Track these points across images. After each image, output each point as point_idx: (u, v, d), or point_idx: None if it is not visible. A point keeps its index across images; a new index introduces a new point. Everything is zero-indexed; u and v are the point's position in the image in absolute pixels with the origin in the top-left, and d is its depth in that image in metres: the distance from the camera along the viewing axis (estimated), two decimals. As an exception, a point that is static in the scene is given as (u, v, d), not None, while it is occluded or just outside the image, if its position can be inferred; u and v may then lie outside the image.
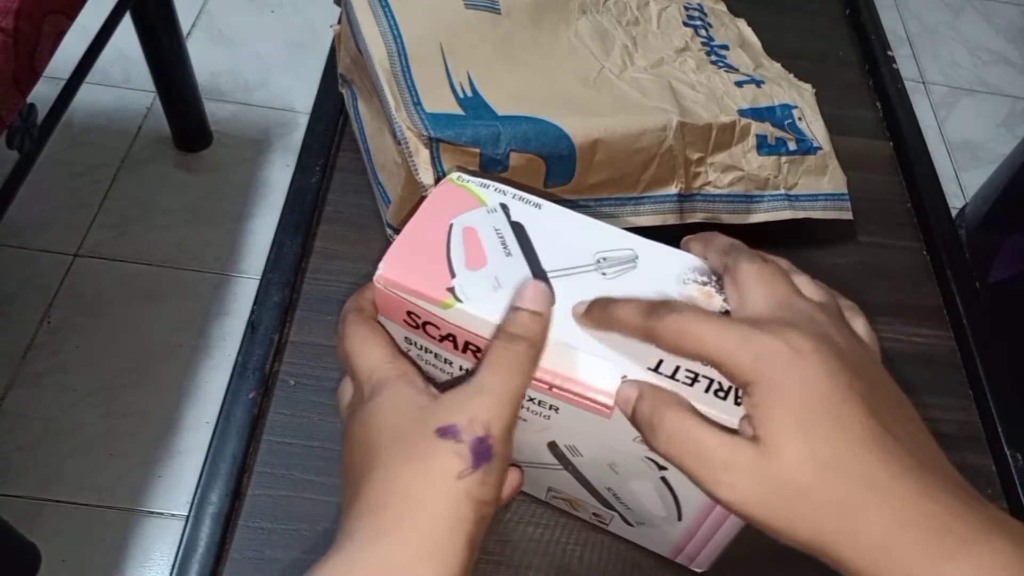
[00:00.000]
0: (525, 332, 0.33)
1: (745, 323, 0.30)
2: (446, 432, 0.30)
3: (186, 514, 0.45)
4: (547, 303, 0.34)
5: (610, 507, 0.43)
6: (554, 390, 0.34)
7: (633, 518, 0.43)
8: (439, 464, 0.30)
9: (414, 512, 0.29)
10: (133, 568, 1.03)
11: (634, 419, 0.32)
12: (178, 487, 1.10)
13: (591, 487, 0.42)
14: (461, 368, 0.37)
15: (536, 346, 0.33)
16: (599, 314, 0.33)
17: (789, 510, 0.28)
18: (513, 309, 0.33)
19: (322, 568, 0.29)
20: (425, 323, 0.35)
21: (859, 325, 0.34)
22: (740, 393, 0.31)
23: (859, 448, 0.28)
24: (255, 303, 0.53)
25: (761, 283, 0.32)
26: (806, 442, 0.28)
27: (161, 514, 1.07)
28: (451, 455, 0.30)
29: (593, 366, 0.34)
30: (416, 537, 0.29)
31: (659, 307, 0.32)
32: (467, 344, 0.35)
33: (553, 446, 0.39)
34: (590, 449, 0.38)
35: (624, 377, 0.33)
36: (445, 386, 0.33)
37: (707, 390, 0.32)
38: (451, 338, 0.35)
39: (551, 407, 0.36)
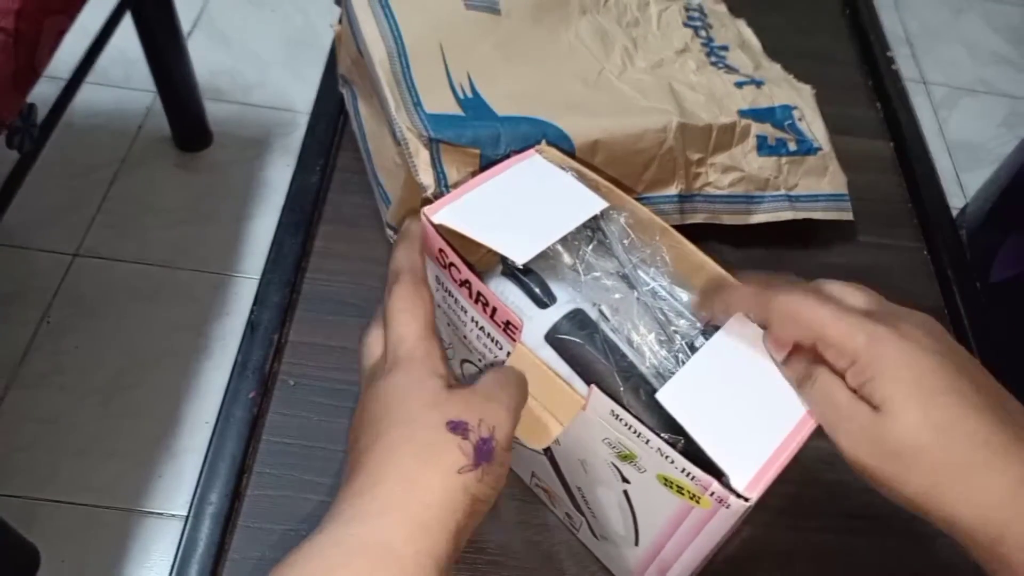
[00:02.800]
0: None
1: (854, 312, 0.33)
2: (456, 427, 0.31)
3: (186, 514, 0.45)
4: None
5: (580, 510, 0.43)
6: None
7: (598, 529, 0.43)
8: (443, 455, 0.30)
9: (409, 496, 0.30)
10: (133, 568, 1.03)
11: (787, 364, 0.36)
12: (178, 487, 1.10)
13: (564, 481, 0.42)
14: (474, 319, 0.38)
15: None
16: (716, 300, 0.37)
17: (902, 468, 0.30)
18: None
19: (311, 543, 0.29)
20: (451, 264, 0.37)
21: None
22: (847, 371, 0.33)
23: (974, 413, 0.30)
24: (255, 303, 0.53)
25: (852, 289, 0.35)
26: (922, 407, 0.30)
27: (161, 514, 1.07)
28: (456, 449, 0.31)
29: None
30: (407, 519, 0.29)
31: (770, 289, 0.35)
32: (479, 295, 0.36)
33: None
34: (567, 439, 0.39)
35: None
36: (462, 381, 0.34)
37: None
38: (467, 285, 0.37)
39: None
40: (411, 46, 0.50)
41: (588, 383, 0.36)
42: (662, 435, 0.33)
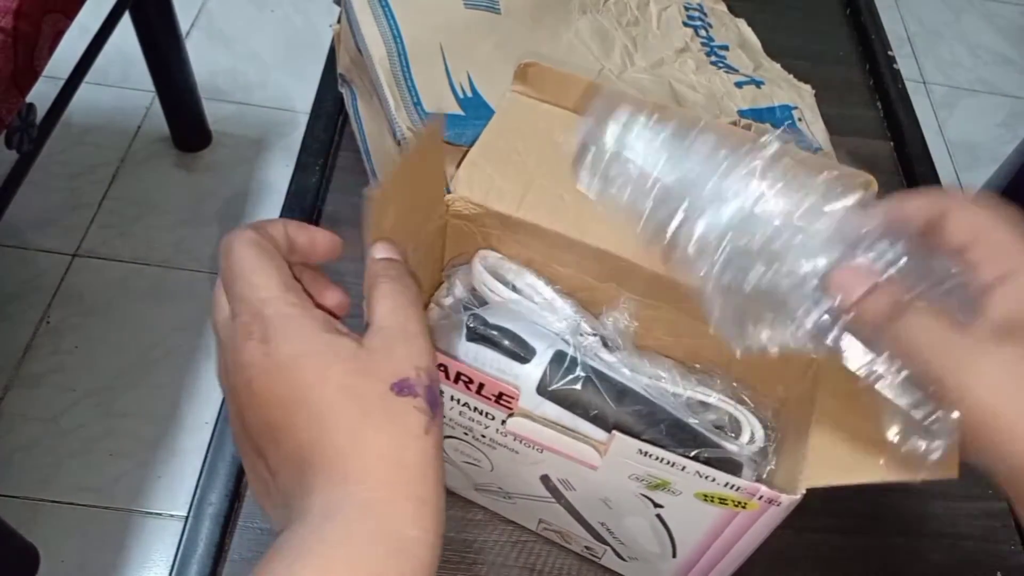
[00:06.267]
0: (400, 272, 0.34)
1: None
2: (403, 389, 0.29)
3: (185, 515, 0.45)
4: (396, 250, 0.35)
5: (603, 541, 0.42)
6: (545, 451, 0.36)
7: (626, 553, 0.42)
8: (408, 424, 0.29)
9: (398, 475, 0.29)
10: (132, 569, 1.03)
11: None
12: (177, 488, 1.10)
13: (584, 521, 0.41)
14: (454, 398, 0.37)
15: (414, 277, 0.34)
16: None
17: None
18: (374, 261, 0.35)
19: (320, 541, 0.28)
20: None
21: None
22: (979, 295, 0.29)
23: None
24: (254, 303, 0.52)
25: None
26: None
27: (160, 515, 1.07)
28: (415, 412, 0.29)
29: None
30: (410, 498, 0.29)
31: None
32: (459, 374, 0.35)
33: (546, 479, 0.39)
34: (583, 484, 0.38)
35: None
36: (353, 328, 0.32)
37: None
38: (443, 368, 0.35)
39: (540, 449, 0.37)
40: (411, 45, 0.50)
41: (598, 425, 0.35)
42: (692, 456, 0.33)
